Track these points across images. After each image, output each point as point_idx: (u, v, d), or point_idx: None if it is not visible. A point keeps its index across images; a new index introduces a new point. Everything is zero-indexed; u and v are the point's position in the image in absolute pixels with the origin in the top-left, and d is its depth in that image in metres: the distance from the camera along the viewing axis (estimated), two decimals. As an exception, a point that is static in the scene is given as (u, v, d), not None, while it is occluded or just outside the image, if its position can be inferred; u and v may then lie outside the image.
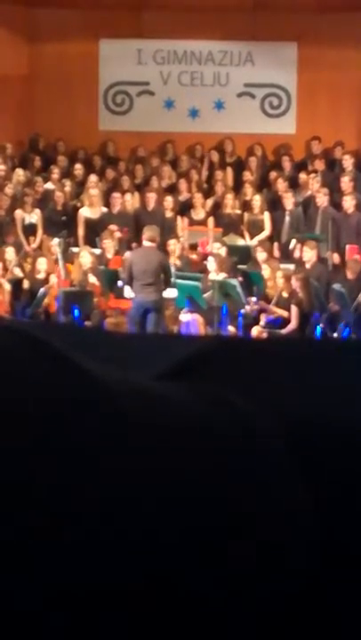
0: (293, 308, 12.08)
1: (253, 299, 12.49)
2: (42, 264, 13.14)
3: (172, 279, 12.68)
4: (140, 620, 0.69)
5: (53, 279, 12.93)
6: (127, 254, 13.25)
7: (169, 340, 1.29)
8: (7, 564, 0.66)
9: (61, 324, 9.90)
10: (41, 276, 12.99)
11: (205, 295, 12.29)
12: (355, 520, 0.80)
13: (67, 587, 0.67)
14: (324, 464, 0.82)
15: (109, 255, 13.83)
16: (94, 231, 14.74)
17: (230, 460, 0.76)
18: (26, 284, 13.03)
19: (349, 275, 12.65)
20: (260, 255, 13.32)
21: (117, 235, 14.46)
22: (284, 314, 12.22)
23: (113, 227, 14.60)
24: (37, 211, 15.23)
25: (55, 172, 16.68)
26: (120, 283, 12.72)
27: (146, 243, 12.19)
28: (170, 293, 12.53)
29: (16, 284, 13.03)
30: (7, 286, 12.87)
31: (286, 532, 0.76)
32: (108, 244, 13.91)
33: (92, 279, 12.70)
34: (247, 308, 12.41)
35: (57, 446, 0.69)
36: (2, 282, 12.91)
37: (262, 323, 12.29)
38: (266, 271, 12.71)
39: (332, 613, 0.78)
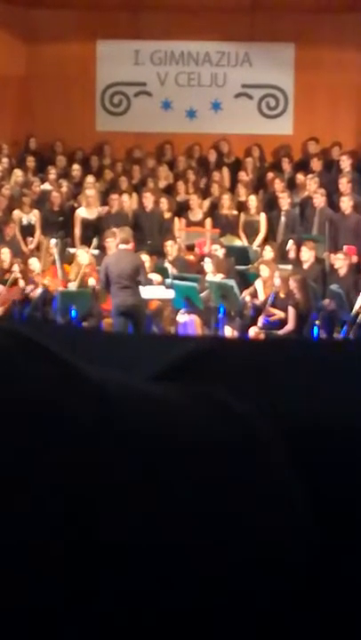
0: (291, 310, 12.07)
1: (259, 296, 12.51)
2: (34, 264, 13.15)
3: (170, 280, 12.69)
4: (140, 621, 0.68)
5: (51, 280, 12.95)
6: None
7: (165, 341, 1.29)
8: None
9: (58, 325, 9.91)
10: (36, 275, 13.01)
11: (202, 295, 12.30)
12: (353, 521, 0.80)
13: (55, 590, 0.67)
14: (322, 464, 0.82)
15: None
16: (91, 231, 14.73)
17: (229, 462, 0.76)
18: (22, 284, 13.05)
19: None
20: (268, 255, 13.29)
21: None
22: (282, 315, 12.22)
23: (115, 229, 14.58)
24: (35, 211, 15.23)
25: (52, 173, 16.68)
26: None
27: (120, 245, 12.09)
28: (167, 294, 12.54)
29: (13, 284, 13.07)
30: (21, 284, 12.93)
31: (285, 533, 0.75)
32: (112, 243, 13.86)
33: (92, 281, 12.72)
34: (247, 300, 12.48)
35: (53, 448, 0.69)
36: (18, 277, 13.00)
37: (260, 324, 12.29)
38: (264, 272, 12.71)
39: (330, 611, 0.78)
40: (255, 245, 14.83)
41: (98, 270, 12.72)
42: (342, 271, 12.66)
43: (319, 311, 12.09)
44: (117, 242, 12.25)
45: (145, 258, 12.65)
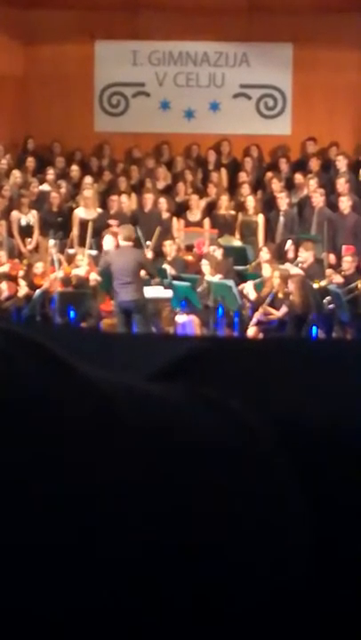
0: (283, 308, 12.11)
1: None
2: (39, 268, 13.17)
3: (168, 280, 12.71)
4: (139, 625, 0.69)
5: (49, 281, 12.96)
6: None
7: (163, 341, 1.29)
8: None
9: (56, 326, 9.92)
10: (37, 278, 13.04)
11: (199, 294, 12.34)
12: (355, 521, 0.80)
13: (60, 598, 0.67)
14: (320, 463, 0.82)
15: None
16: (90, 232, 14.72)
17: (228, 462, 0.76)
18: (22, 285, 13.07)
19: None
20: (265, 256, 13.31)
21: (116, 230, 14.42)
22: (279, 314, 12.23)
23: (114, 223, 14.54)
24: (34, 212, 15.24)
25: (51, 174, 16.69)
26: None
27: (122, 242, 12.25)
28: (165, 294, 12.58)
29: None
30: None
31: (285, 534, 0.76)
32: (110, 243, 13.84)
33: (93, 276, 12.76)
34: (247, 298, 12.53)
35: (50, 449, 0.69)
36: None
37: (254, 321, 12.31)
38: (266, 271, 12.73)
39: (329, 611, 0.78)
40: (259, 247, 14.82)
41: (98, 270, 12.80)
42: (349, 272, 12.70)
43: (318, 311, 12.10)
44: (120, 239, 12.37)
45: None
